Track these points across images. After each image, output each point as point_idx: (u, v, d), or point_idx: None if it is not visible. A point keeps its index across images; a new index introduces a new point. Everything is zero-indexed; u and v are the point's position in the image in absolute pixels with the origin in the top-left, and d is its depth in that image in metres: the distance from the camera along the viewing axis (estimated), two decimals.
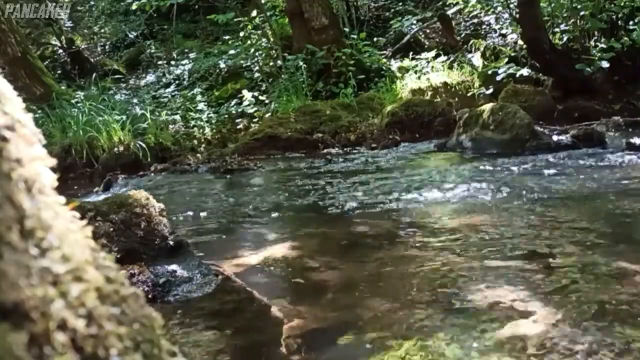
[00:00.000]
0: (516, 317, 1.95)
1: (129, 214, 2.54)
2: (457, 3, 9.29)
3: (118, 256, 2.27)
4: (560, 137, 5.52)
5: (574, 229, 2.92)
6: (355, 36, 9.04)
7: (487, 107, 5.76)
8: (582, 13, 7.42)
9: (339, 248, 3.02)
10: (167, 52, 11.44)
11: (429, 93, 7.91)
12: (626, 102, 7.12)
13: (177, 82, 10.14)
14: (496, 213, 3.34)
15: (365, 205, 3.75)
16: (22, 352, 0.34)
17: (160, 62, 11.04)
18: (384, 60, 9.17)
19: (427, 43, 9.77)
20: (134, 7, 10.11)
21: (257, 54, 9.40)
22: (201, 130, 7.87)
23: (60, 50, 11.49)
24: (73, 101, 8.01)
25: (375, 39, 10.03)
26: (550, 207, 3.41)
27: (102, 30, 12.93)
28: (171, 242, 2.61)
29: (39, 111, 7.32)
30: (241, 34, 9.49)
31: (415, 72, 8.45)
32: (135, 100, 9.13)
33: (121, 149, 6.74)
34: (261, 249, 2.99)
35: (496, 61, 8.26)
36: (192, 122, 8.14)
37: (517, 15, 7.50)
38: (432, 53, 8.80)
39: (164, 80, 10.38)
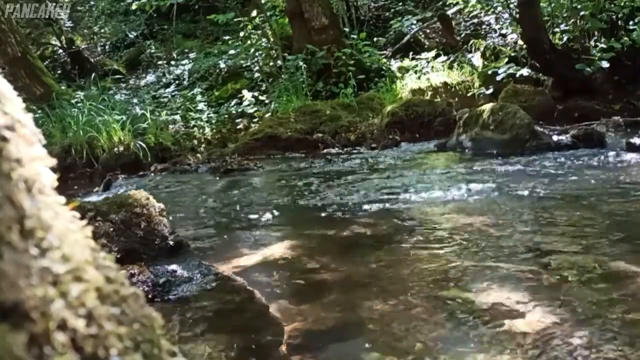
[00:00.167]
0: (516, 316, 1.95)
1: (129, 214, 2.54)
2: (457, 3, 9.29)
3: (118, 256, 2.27)
4: (560, 137, 5.52)
5: (573, 229, 2.92)
6: (355, 36, 9.04)
7: (487, 107, 5.76)
8: (582, 13, 7.42)
9: (339, 248, 3.01)
10: (167, 52, 11.44)
11: (429, 93, 7.91)
12: (626, 102, 7.12)
13: (177, 82, 10.14)
14: (496, 213, 3.34)
15: (365, 205, 3.75)
16: (22, 352, 0.34)
17: (160, 62, 11.04)
18: (384, 60, 9.17)
19: (427, 43, 9.77)
20: (134, 7, 10.10)
21: (257, 54, 9.40)
22: (201, 130, 7.87)
23: (60, 50, 11.49)
24: (73, 101, 8.01)
25: (375, 39, 10.03)
26: (550, 207, 3.41)
27: (102, 30, 12.93)
28: (171, 242, 2.61)
29: (39, 111, 7.32)
30: (241, 34, 9.49)
31: (415, 72, 8.45)
32: (135, 100, 9.13)
33: (121, 149, 6.74)
34: (261, 249, 2.99)
35: (496, 61, 8.26)
36: (192, 122, 8.14)
37: (517, 15, 7.50)
38: (432, 53, 8.80)
39: (164, 80, 10.38)
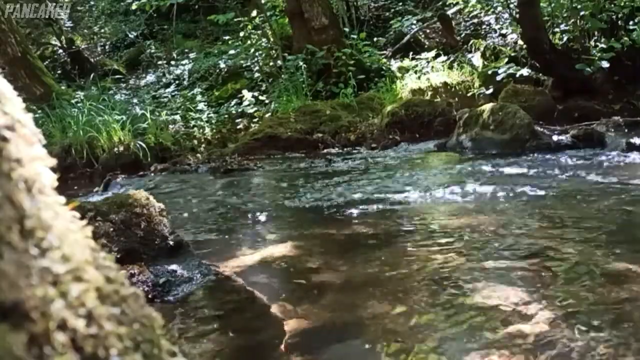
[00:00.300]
0: (516, 317, 1.95)
1: (129, 214, 2.54)
2: (457, 3, 9.28)
3: (118, 256, 2.27)
4: (560, 137, 5.52)
5: (573, 229, 2.92)
6: (355, 36, 9.04)
7: (487, 107, 5.76)
8: (582, 13, 7.41)
9: (339, 248, 3.02)
10: (167, 52, 11.44)
11: (429, 93, 7.91)
12: (626, 102, 7.11)
13: (177, 82, 10.14)
14: (496, 213, 3.34)
15: (365, 205, 3.75)
16: (22, 352, 0.34)
17: (160, 62, 11.04)
18: (384, 60, 9.17)
19: (427, 43, 9.76)
20: (134, 7, 10.10)
21: (257, 54, 9.40)
22: (201, 130, 7.87)
23: (60, 50, 11.49)
24: (73, 101, 8.01)
25: (375, 39, 10.03)
26: (550, 207, 3.41)
27: (102, 30, 12.93)
28: (171, 242, 2.61)
29: (39, 111, 7.32)
30: (241, 34, 9.49)
31: (415, 72, 8.45)
32: (135, 100, 9.13)
33: (121, 149, 6.73)
34: (261, 249, 2.99)
35: (496, 61, 8.26)
36: (192, 122, 8.14)
37: (517, 15, 7.49)
38: (432, 53, 8.79)
39: (164, 80, 10.38)
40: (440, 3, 9.95)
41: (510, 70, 7.29)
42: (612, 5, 7.37)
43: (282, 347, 1.93)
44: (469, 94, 7.91)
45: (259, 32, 9.52)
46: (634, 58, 7.22)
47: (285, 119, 7.15)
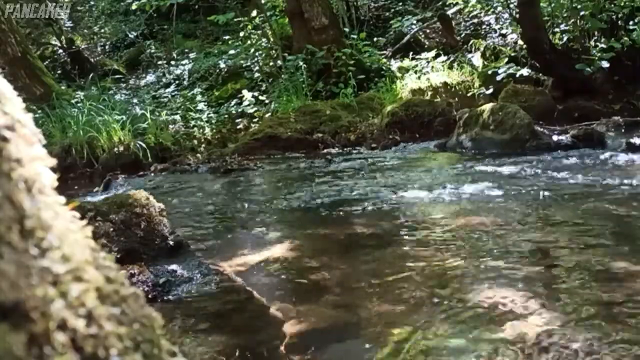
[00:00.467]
0: (516, 317, 1.95)
1: (129, 214, 2.54)
2: (457, 3, 9.28)
3: (118, 256, 2.27)
4: (560, 137, 5.52)
5: (573, 229, 2.92)
6: (355, 36, 9.04)
7: (487, 107, 5.76)
8: (582, 13, 7.42)
9: (339, 248, 3.02)
10: (167, 52, 11.44)
11: (429, 93, 7.91)
12: (626, 102, 7.11)
13: (177, 82, 10.14)
14: (496, 213, 3.34)
15: (365, 205, 3.75)
16: (22, 352, 0.34)
17: (160, 62, 11.04)
18: (384, 60, 9.17)
19: (427, 43, 9.76)
20: (134, 7, 10.10)
21: (257, 54, 9.40)
22: (201, 130, 7.87)
23: (60, 50, 11.49)
24: (73, 101, 8.01)
25: (375, 39, 10.03)
26: (550, 207, 3.41)
27: (102, 30, 12.93)
28: (171, 242, 2.61)
29: (39, 111, 7.32)
30: (241, 34, 9.49)
31: (415, 72, 8.45)
32: (135, 100, 9.13)
33: (121, 149, 6.74)
34: (261, 249, 2.99)
35: (496, 61, 8.26)
36: (192, 122, 8.14)
37: (517, 15, 7.49)
38: (432, 53, 8.79)
39: (164, 80, 10.38)
40: (440, 3, 9.95)
41: (510, 70, 7.29)
42: (612, 5, 7.37)
43: (282, 347, 1.93)
44: (469, 94, 7.91)
45: (259, 32, 9.52)
46: (634, 58, 7.22)
47: (285, 119, 7.15)
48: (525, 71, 7.28)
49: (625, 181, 3.92)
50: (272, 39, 9.33)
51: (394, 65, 8.94)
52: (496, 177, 4.32)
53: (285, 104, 7.94)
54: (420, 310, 2.08)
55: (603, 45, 7.18)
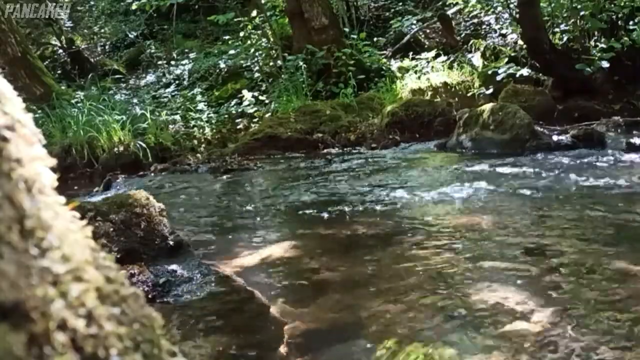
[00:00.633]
0: (516, 316, 1.95)
1: (129, 214, 2.54)
2: (457, 3, 9.28)
3: (118, 256, 2.27)
4: (560, 137, 5.52)
5: (573, 229, 2.92)
6: (355, 36, 9.04)
7: (487, 107, 5.76)
8: (582, 13, 7.42)
9: (339, 248, 3.02)
10: (167, 52, 11.44)
11: (429, 93, 7.91)
12: (626, 102, 7.11)
13: (177, 82, 10.14)
14: (496, 213, 3.34)
15: (365, 205, 3.75)
16: (22, 352, 0.34)
17: (160, 62, 11.04)
18: (384, 60, 9.17)
19: (427, 43, 9.76)
20: (134, 7, 10.10)
21: (257, 54, 9.40)
22: (201, 130, 7.87)
23: (60, 50, 11.49)
24: (73, 101, 8.01)
25: (375, 39, 10.03)
26: (550, 207, 3.41)
27: (102, 30, 12.93)
28: (171, 242, 2.61)
29: (39, 111, 7.32)
30: (241, 34, 9.49)
31: (415, 72, 8.45)
32: (135, 100, 9.13)
33: (121, 149, 6.73)
34: (261, 249, 2.99)
35: (496, 61, 8.26)
36: (192, 122, 8.14)
37: (517, 15, 7.50)
38: (432, 53, 8.79)
39: (164, 80, 10.38)
40: (440, 3, 9.95)
41: (510, 70, 7.29)
42: (612, 5, 7.37)
43: (282, 347, 1.93)
44: (469, 94, 7.91)
45: (259, 32, 9.52)
46: (634, 58, 7.22)
47: (285, 119, 7.15)
48: (525, 71, 7.28)
49: (625, 181, 3.92)
50: (272, 39, 9.33)
51: (394, 65, 8.94)
52: (496, 177, 4.32)
53: (285, 104, 7.94)
54: (421, 310, 2.08)
55: (603, 45, 7.18)
